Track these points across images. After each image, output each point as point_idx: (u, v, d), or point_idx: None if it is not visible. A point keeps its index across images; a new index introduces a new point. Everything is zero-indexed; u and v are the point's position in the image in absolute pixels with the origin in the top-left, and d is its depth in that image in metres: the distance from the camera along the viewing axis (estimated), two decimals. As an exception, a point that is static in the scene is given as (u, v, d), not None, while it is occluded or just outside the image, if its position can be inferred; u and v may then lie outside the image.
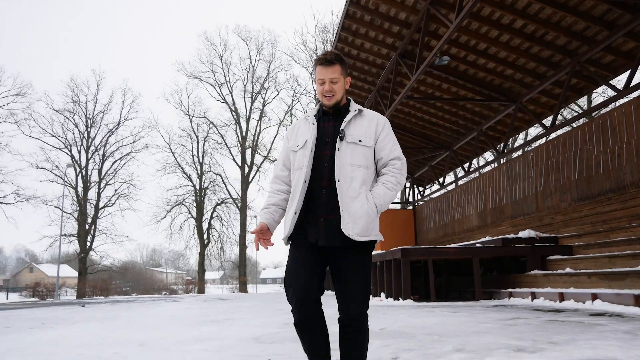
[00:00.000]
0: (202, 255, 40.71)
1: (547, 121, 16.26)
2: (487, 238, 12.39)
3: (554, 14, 11.70)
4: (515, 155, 21.11)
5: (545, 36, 12.65)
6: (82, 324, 8.08)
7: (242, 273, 40.75)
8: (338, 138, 2.53)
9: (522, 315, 6.63)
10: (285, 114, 40.64)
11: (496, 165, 19.55)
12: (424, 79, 16.15)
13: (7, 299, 38.57)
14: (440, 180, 24.80)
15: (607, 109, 15.14)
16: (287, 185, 2.71)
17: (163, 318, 8.96)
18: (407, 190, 29.39)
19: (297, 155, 2.61)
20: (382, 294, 11.69)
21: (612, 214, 10.88)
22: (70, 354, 4.49)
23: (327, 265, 2.57)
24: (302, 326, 2.51)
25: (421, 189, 27.78)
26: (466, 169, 21.25)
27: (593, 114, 18.72)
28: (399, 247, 10.96)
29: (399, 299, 10.60)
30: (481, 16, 12.51)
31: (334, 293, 2.59)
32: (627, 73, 12.12)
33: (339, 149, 2.51)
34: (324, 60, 2.57)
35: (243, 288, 40.25)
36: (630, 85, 11.67)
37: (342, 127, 2.55)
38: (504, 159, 21.70)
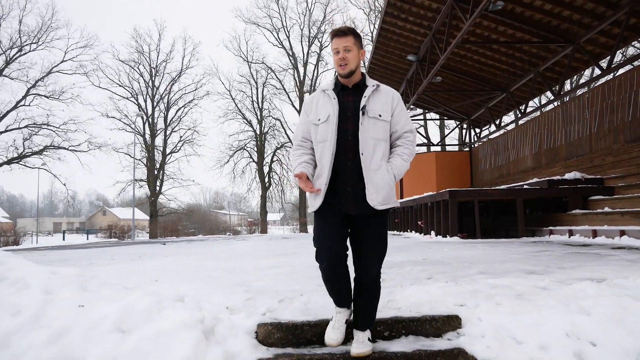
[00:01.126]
0: (264, 197, 42.66)
1: (605, 62, 16.00)
2: (535, 179, 12.87)
3: (612, -47, 11.52)
4: (578, 94, 20.77)
5: (603, -24, 12.47)
6: (174, 257, 9.39)
7: (302, 214, 42.57)
8: (360, 113, 2.70)
9: (551, 249, 7.38)
10: (342, 58, 40.86)
11: (553, 106, 19.44)
12: (480, 22, 16.13)
13: (87, 239, 42.31)
14: (497, 122, 24.81)
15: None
16: (312, 150, 2.88)
17: (239, 252, 10.23)
18: (464, 131, 29.46)
19: (320, 128, 2.76)
20: (432, 232, 12.58)
21: (659, 156, 11.11)
22: (177, 275, 5.71)
23: (349, 229, 2.83)
24: (332, 280, 2.83)
25: (477, 130, 27.85)
26: (522, 111, 21.23)
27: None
28: (447, 189, 11.72)
29: (446, 236, 11.47)
30: (535, -42, 12.44)
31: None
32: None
33: (361, 124, 2.69)
34: (338, 31, 2.75)
35: (303, 228, 42.16)
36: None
37: (363, 103, 2.72)
38: (567, 97, 21.41)
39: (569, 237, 9.81)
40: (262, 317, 3.19)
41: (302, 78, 41.54)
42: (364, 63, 34.34)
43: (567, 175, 11.76)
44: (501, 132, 24.75)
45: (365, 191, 2.67)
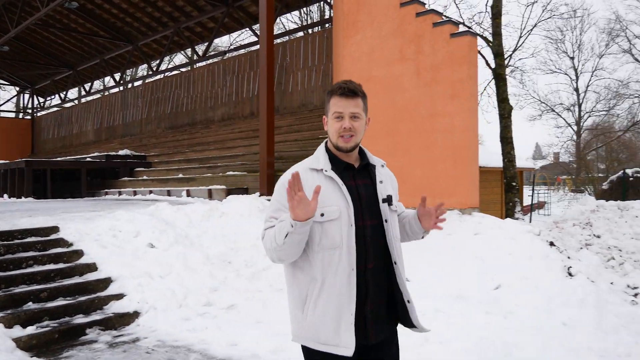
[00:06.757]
0: None
1: (156, 65, 20.61)
2: (96, 153, 16.18)
3: (164, -10, 15.75)
4: (136, 84, 24.94)
5: (157, 2, 16.64)
6: None
7: None
8: (384, 205, 1.95)
9: (105, 202, 11.08)
10: None
11: (115, 91, 23.07)
12: (56, 8, 17.90)
13: None
14: (62, 95, 26.65)
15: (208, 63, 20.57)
16: None
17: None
18: (27, 98, 29.40)
19: (327, 228, 1.85)
20: (5, 195, 14.13)
21: (182, 142, 16.23)
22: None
23: None
24: None
25: (41, 100, 28.77)
26: (87, 90, 24.01)
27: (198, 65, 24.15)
28: (23, 159, 13.63)
29: (21, 197, 13.39)
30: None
31: None
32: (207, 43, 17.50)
33: (386, 221, 1.94)
34: (346, 90, 1.91)
35: None
36: (207, 55, 17.05)
37: (384, 191, 1.98)
38: (130, 85, 25.30)
39: (119, 196, 13.54)
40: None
41: None
42: None
43: (121, 152, 15.55)
44: (67, 105, 26.76)
45: (385, 308, 1.96)
